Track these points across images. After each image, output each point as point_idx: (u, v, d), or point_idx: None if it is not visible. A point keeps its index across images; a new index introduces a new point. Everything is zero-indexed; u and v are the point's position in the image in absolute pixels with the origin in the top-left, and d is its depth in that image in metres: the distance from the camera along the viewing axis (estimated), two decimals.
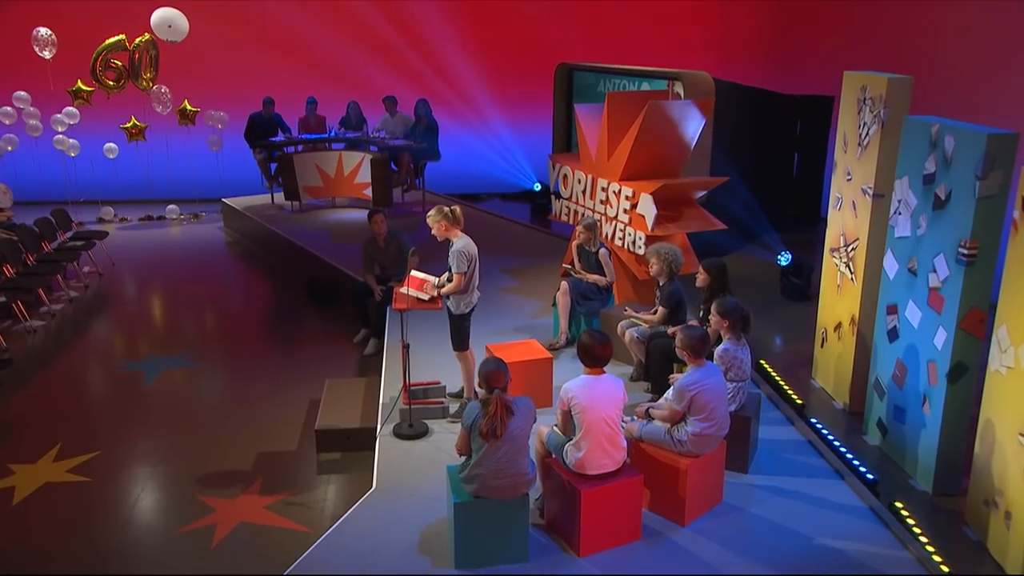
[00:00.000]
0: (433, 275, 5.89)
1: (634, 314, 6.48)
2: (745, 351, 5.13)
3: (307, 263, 10.09)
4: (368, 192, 11.85)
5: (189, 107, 12.79)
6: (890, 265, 5.95)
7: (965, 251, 5.05)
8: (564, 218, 8.58)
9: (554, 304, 7.35)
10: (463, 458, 4.44)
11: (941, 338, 5.33)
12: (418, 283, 5.84)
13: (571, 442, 4.47)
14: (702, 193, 7.66)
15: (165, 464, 6.09)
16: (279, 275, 10.57)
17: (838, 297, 6.77)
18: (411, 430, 5.80)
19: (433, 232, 5.73)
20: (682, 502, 4.68)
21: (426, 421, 5.94)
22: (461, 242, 5.66)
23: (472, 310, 5.83)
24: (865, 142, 6.26)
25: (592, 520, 4.42)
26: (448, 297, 5.76)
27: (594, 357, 4.48)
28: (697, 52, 13.06)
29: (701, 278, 5.89)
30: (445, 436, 5.76)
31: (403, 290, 5.86)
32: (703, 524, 4.77)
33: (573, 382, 4.48)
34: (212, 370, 7.80)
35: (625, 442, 4.55)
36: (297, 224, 11.49)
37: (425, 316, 7.91)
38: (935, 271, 5.38)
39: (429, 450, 5.64)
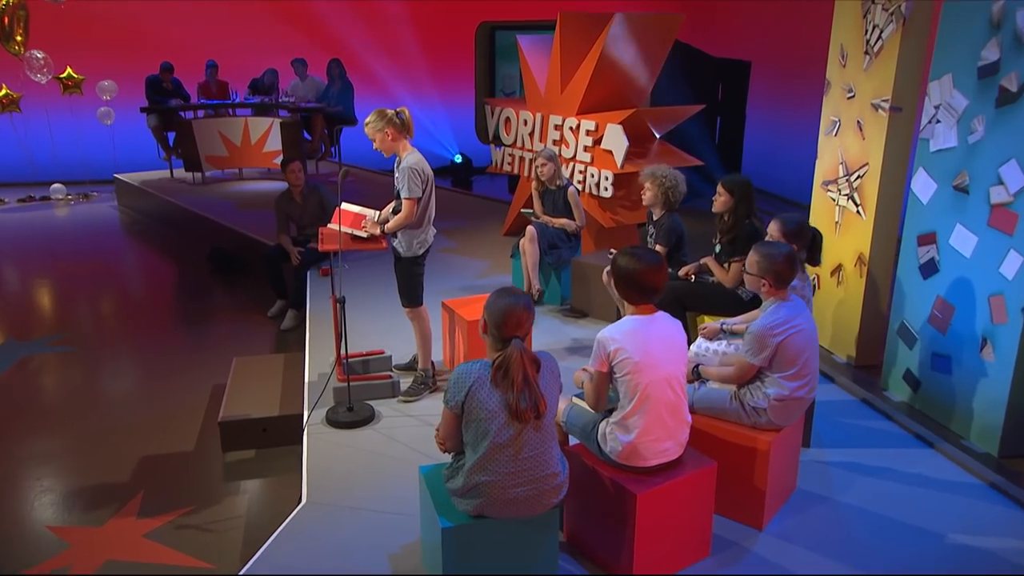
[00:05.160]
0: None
1: None
2: (809, 287, 3.34)
3: (210, 233, 7.74)
4: (278, 161, 9.49)
5: (73, 75, 10.07)
6: (923, 186, 4.33)
7: None
8: (508, 168, 6.65)
9: (513, 255, 5.40)
10: (450, 456, 2.46)
11: (1014, 264, 3.73)
12: (352, 218, 3.80)
13: (612, 418, 2.56)
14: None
15: (1, 483, 3.81)
16: (181, 251, 8.15)
17: (836, 236, 5.13)
18: (351, 415, 3.74)
19: (375, 146, 3.67)
20: (760, 497, 2.84)
21: (371, 403, 3.90)
22: (413, 158, 3.64)
23: (427, 251, 3.82)
24: (876, 48, 4.63)
25: (649, 536, 2.52)
26: (395, 235, 3.74)
27: (643, 288, 2.55)
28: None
29: (720, 200, 4.08)
30: (398, 421, 3.75)
31: (332, 226, 3.79)
32: (785, 525, 2.94)
33: (615, 328, 2.55)
34: (88, 356, 5.43)
35: (690, 416, 2.67)
36: (199, 195, 9.03)
37: (361, 271, 5.88)
38: (1002, 183, 3.78)
39: (379, 442, 3.60)
